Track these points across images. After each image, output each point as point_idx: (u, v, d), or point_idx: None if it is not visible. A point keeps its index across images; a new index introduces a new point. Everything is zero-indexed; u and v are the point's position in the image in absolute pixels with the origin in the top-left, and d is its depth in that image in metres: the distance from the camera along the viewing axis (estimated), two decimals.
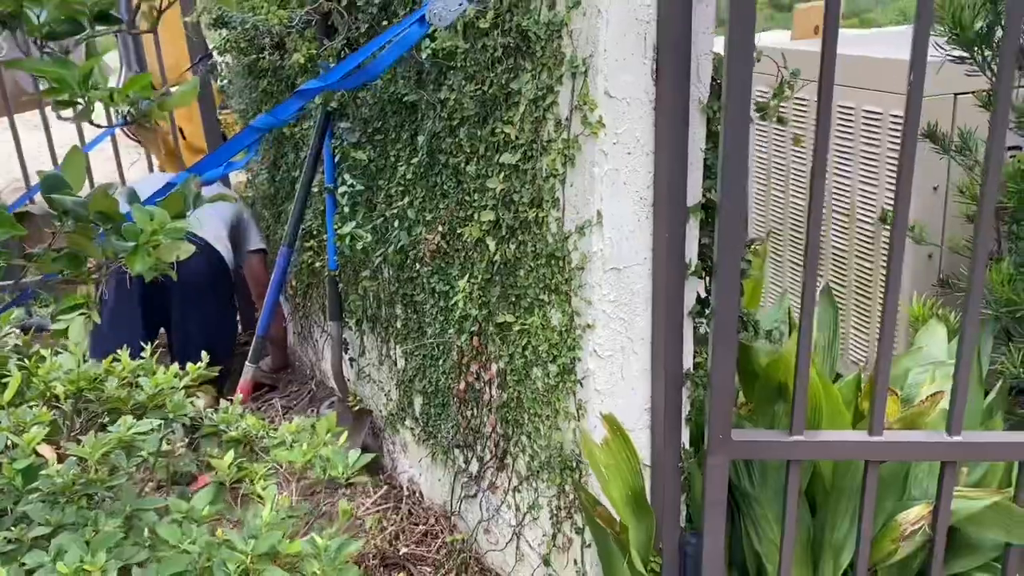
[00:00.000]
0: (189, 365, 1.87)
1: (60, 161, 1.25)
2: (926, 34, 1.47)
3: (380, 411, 2.86)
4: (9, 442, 1.54)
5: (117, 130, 4.96)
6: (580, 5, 1.57)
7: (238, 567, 1.31)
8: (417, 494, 2.65)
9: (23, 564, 1.31)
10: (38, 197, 3.74)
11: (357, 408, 2.92)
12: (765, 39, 3.97)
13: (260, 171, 3.54)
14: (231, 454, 1.62)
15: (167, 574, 1.30)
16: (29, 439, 1.51)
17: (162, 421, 1.66)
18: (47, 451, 1.61)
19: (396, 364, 2.68)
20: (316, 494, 2.49)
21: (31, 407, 1.72)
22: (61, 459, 1.57)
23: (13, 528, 1.41)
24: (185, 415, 1.75)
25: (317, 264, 3.10)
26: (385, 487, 2.74)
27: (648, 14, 1.56)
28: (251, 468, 1.64)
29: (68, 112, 0.94)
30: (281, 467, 1.66)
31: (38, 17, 0.86)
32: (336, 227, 2.62)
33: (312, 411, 3.31)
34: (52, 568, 1.27)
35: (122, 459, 1.49)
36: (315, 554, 1.34)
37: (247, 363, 2.86)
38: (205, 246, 3.12)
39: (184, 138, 4.37)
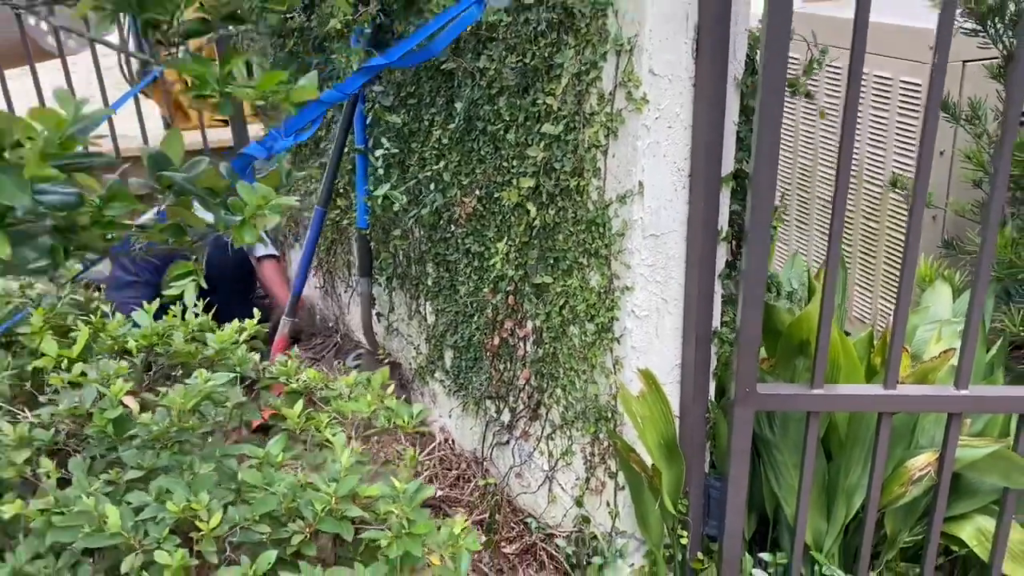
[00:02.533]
0: (247, 321, 2.00)
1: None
2: (951, 19, 1.57)
3: (409, 364, 3.00)
4: (98, 393, 1.67)
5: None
6: None
7: (323, 507, 1.45)
8: (448, 442, 2.80)
9: (129, 503, 1.44)
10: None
11: (387, 361, 3.06)
12: None
13: None
14: (299, 404, 1.75)
15: (259, 512, 1.44)
16: (116, 390, 1.64)
17: (234, 375, 1.79)
18: (130, 401, 1.74)
19: (426, 320, 2.80)
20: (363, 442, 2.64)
21: (98, 360, 1.84)
22: (143, 408, 1.70)
23: (110, 471, 1.54)
24: (249, 368, 1.88)
25: (344, 222, 3.21)
26: (416, 436, 2.89)
27: None
28: (316, 417, 1.78)
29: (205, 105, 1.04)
30: (346, 417, 1.80)
31: (178, 20, 0.96)
32: (370, 188, 2.72)
33: (339, 363, 3.44)
34: (157, 507, 1.41)
35: (210, 409, 1.62)
36: (393, 496, 1.48)
37: (283, 317, 2.99)
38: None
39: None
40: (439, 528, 1.54)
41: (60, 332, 2.02)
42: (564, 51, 1.86)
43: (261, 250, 3.67)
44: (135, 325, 1.95)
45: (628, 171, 1.78)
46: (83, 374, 1.71)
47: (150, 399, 1.73)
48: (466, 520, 1.62)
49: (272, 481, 1.53)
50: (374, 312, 3.11)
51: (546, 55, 1.92)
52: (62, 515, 1.43)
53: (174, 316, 1.99)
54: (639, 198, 1.77)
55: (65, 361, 1.81)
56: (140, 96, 4.93)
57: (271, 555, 1.41)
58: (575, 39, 1.83)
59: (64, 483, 1.52)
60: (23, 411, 1.79)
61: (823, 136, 3.16)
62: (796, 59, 1.95)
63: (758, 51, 1.74)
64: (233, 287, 3.52)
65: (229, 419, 1.72)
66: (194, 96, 0.98)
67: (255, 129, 4.31)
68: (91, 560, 1.44)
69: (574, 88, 1.86)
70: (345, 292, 3.52)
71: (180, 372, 1.88)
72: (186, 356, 1.87)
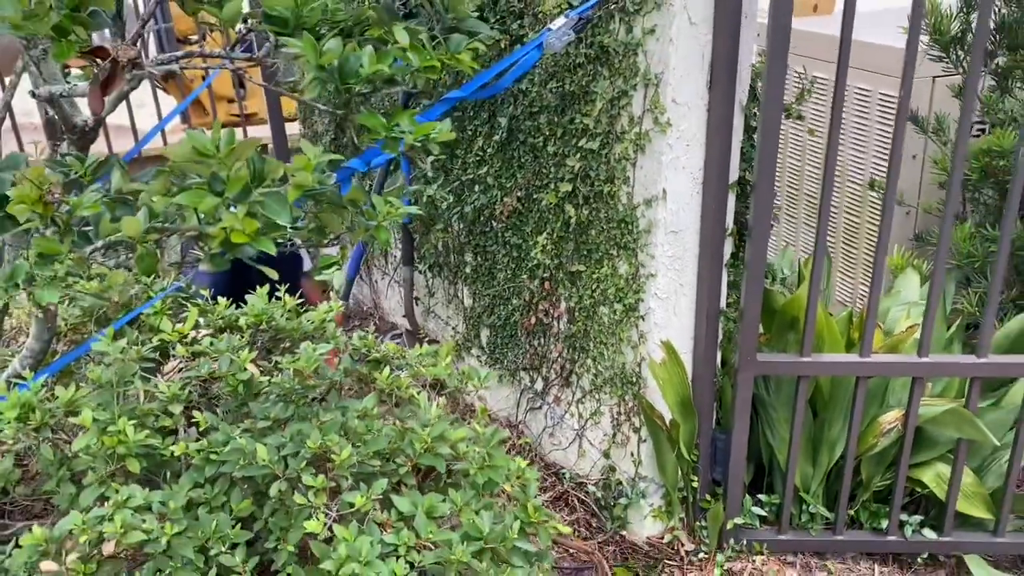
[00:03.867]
0: (333, 304, 2.39)
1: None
2: (914, 56, 1.98)
3: (446, 341, 3.40)
4: (229, 360, 2.06)
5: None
6: (655, 33, 2.07)
7: (422, 446, 1.85)
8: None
9: (267, 444, 1.84)
10: None
11: (426, 339, 3.46)
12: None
13: (325, 133, 4.00)
14: (387, 370, 2.15)
15: (372, 450, 1.84)
16: (245, 357, 2.04)
17: (332, 346, 2.18)
18: (251, 367, 2.13)
19: (463, 303, 3.20)
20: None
21: (215, 336, 2.23)
22: (261, 373, 2.09)
23: (245, 421, 1.94)
24: (340, 341, 2.28)
25: None
26: (452, 402, 3.30)
27: (707, 39, 2.06)
28: (400, 380, 2.18)
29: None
30: (426, 380, 2.20)
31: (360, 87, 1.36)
32: (420, 188, 3.12)
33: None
34: (295, 445, 1.81)
35: (327, 371, 2.02)
36: (474, 438, 1.89)
37: (339, 300, 3.38)
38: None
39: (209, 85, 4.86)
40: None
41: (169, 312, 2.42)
42: (600, 81, 2.25)
43: (308, 266, 4.03)
44: (238, 306, 2.35)
45: (654, 180, 2.18)
46: (210, 344, 2.10)
47: (264, 365, 2.13)
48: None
49: (374, 428, 1.94)
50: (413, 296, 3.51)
51: (583, 83, 2.31)
52: (217, 453, 1.83)
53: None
54: (663, 202, 2.18)
55: (190, 336, 2.20)
56: (158, 90, 5.29)
57: (383, 483, 1.81)
58: (609, 71, 2.23)
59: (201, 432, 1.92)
60: (155, 375, 2.19)
61: (810, 144, 3.57)
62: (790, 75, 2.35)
63: (759, 83, 2.15)
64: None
65: (343, 379, 2.12)
66: (369, 137, 1.37)
67: (292, 127, 4.68)
68: (244, 487, 1.84)
69: (607, 111, 2.26)
70: (382, 279, 3.91)
71: (288, 345, 2.27)
72: (290, 331, 2.26)
